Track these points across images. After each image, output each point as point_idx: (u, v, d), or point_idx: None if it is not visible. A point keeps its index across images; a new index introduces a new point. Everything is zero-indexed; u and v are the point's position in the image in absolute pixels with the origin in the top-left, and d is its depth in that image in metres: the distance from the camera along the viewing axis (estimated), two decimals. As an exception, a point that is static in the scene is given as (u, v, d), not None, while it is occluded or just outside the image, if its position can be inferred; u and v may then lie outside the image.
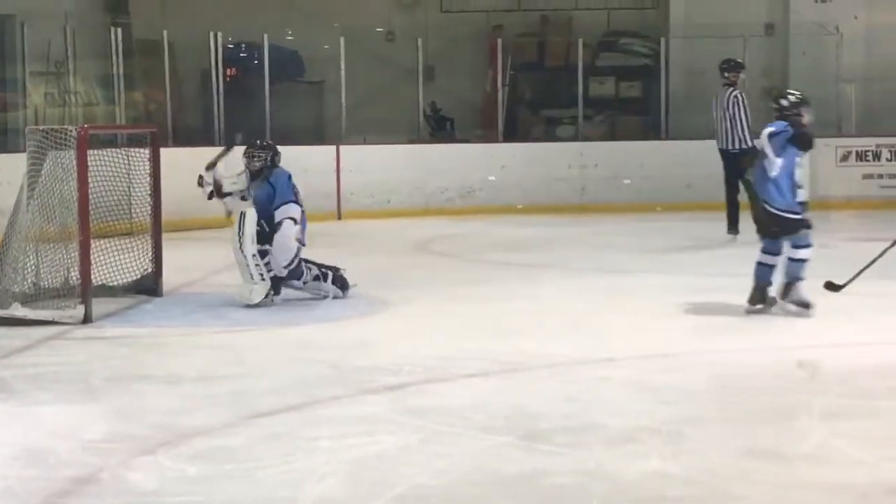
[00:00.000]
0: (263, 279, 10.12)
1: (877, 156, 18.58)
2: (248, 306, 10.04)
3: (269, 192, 10.35)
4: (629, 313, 10.03)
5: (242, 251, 10.05)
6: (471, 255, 14.12)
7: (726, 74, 14.92)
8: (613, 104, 20.64)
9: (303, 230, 10.38)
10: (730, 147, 14.55)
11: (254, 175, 10.38)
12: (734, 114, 14.52)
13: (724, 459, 5.75)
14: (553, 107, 20.54)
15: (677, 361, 7.99)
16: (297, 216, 10.37)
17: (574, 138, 19.52)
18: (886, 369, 7.54)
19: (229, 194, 10.38)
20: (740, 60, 15.74)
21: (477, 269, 13.08)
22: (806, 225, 9.53)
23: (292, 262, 10.21)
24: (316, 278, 10.45)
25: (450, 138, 20.03)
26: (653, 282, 11.74)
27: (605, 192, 18.28)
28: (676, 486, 5.36)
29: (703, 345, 8.66)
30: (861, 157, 18.58)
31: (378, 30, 20.62)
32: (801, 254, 9.48)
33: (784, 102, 9.82)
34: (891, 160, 18.53)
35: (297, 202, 10.40)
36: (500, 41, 19.97)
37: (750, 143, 13.34)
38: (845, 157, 18.52)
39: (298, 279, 10.41)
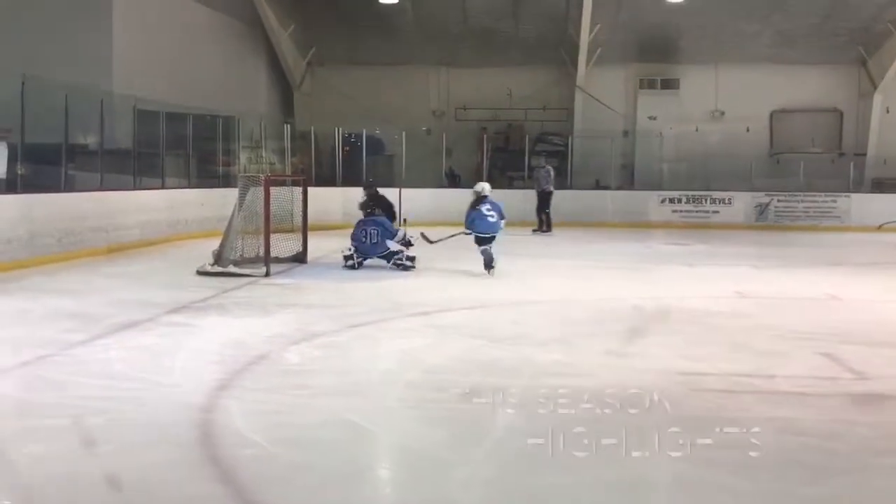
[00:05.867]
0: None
1: (679, 200, 18.54)
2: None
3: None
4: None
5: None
6: (467, 242, 13.83)
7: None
8: (545, 171, 20.50)
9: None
10: None
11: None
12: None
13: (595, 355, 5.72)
14: (512, 170, 20.36)
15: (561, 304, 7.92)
16: None
17: (523, 188, 19.33)
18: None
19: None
20: None
21: (464, 253, 12.81)
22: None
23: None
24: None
25: (458, 186, 19.87)
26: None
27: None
28: (567, 366, 5.36)
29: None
30: (671, 200, 18.49)
31: (423, 128, 20.50)
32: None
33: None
34: (687, 202, 18.43)
35: None
36: (485, 136, 19.99)
37: None
38: (663, 201, 18.44)
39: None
